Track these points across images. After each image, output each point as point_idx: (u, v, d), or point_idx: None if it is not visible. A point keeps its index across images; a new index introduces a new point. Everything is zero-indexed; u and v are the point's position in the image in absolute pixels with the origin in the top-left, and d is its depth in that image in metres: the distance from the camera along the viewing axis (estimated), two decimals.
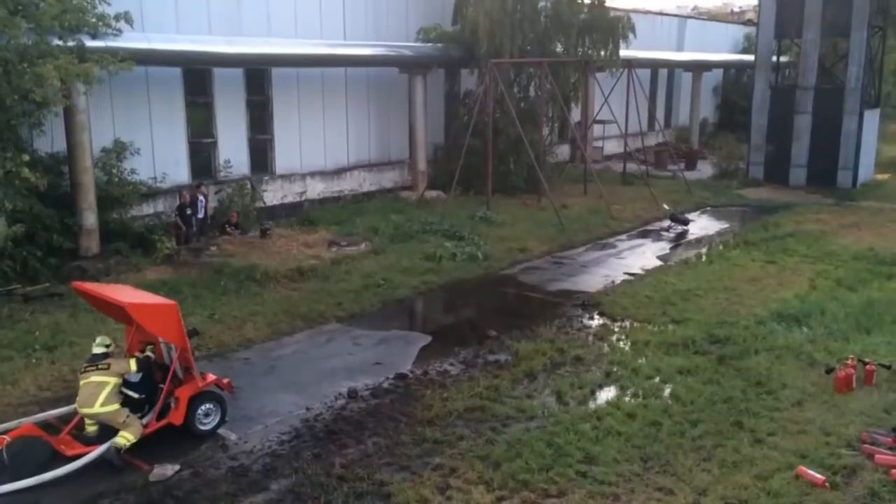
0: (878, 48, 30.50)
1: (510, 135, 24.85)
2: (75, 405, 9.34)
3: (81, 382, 9.25)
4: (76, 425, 9.53)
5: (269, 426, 10.05)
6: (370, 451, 9.33)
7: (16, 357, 11.82)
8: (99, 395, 9.08)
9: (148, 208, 18.61)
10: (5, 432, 9.14)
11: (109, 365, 9.26)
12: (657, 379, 11.40)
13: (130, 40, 16.73)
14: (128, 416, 9.16)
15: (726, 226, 23.44)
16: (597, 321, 14.33)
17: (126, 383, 9.51)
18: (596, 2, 27.18)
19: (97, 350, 9.41)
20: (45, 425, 9.51)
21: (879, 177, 30.91)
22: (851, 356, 11.33)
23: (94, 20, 16.22)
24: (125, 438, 9.00)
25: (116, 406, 9.17)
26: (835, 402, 10.44)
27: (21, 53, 14.11)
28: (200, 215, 18.42)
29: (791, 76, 33.04)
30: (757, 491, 8.30)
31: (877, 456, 8.91)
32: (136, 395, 9.53)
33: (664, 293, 15.64)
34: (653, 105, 34.94)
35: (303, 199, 22.59)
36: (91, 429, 9.39)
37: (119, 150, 17.62)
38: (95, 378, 9.18)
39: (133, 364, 9.44)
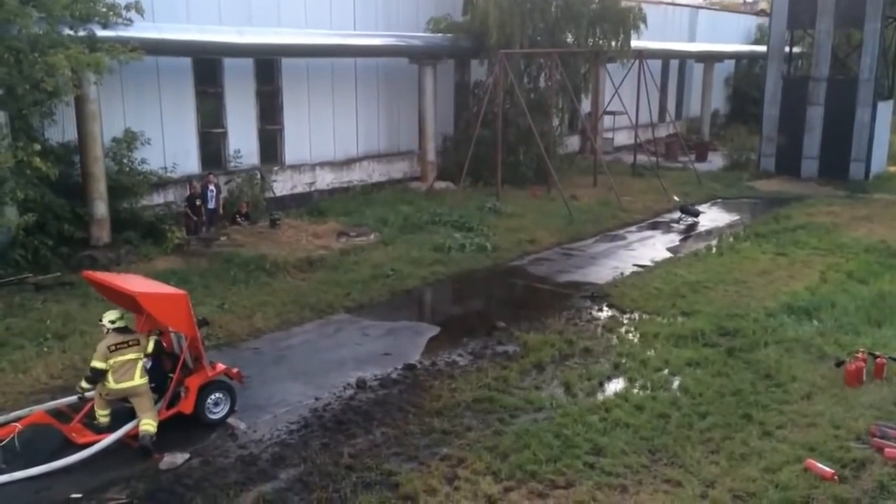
0: (892, 39, 30.21)
1: (520, 126, 24.81)
2: (108, 384, 9.26)
3: (117, 359, 9.22)
4: (87, 413, 9.60)
5: (278, 415, 10.10)
6: (378, 441, 9.37)
7: (27, 345, 11.91)
8: (136, 370, 9.28)
9: (158, 198, 18.68)
10: (17, 420, 9.21)
11: (139, 341, 9.39)
12: (666, 371, 11.39)
13: (141, 30, 16.78)
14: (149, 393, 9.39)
15: (737, 218, 23.32)
16: (606, 313, 14.31)
17: None
18: None
19: (122, 324, 9.45)
20: (56, 413, 9.58)
21: (892, 169, 30.66)
22: (862, 349, 11.29)
23: (104, 10, 16.28)
24: (150, 425, 9.11)
25: (146, 379, 9.40)
26: (844, 396, 10.40)
27: (32, 43, 14.16)
28: (212, 205, 18.46)
29: (804, 67, 32.79)
30: (765, 484, 8.29)
31: (886, 449, 8.87)
32: None
33: (674, 285, 15.60)
34: (664, 96, 34.77)
35: (312, 189, 22.62)
36: (104, 420, 9.45)
37: (130, 139, 17.70)
38: (132, 355, 9.30)
39: (152, 343, 9.54)
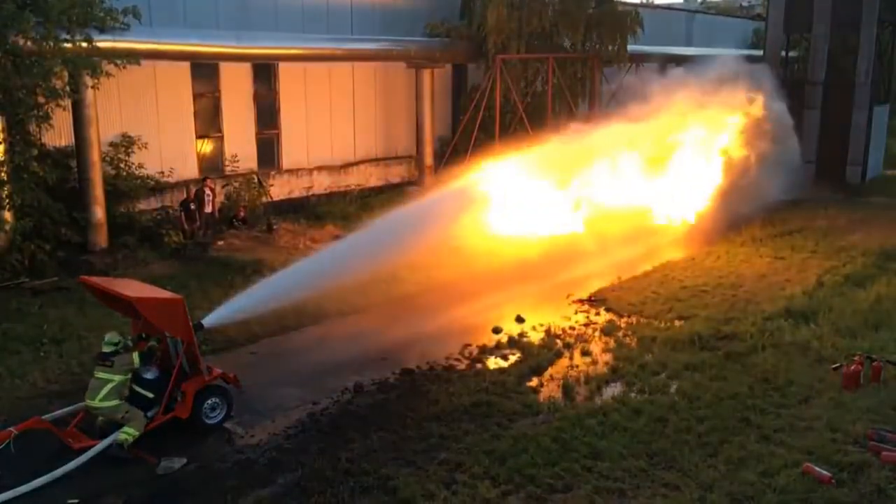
0: (889, 43, 30.28)
1: (518, 129, 24.79)
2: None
3: (94, 373, 9.38)
4: (86, 417, 9.55)
5: (276, 420, 10.09)
6: (376, 445, 9.35)
7: (24, 351, 11.89)
8: (100, 391, 9.19)
9: (155, 202, 18.65)
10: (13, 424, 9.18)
11: (113, 363, 9.30)
12: (663, 375, 11.39)
13: (138, 35, 16.71)
14: (127, 412, 9.20)
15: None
16: (603, 317, 14.30)
17: (140, 381, 9.52)
18: None
19: (105, 349, 9.43)
20: (53, 418, 9.52)
21: (889, 172, 30.71)
22: (859, 353, 11.30)
23: (101, 14, 16.21)
24: (127, 434, 9.05)
25: (116, 402, 9.22)
26: (842, 399, 10.41)
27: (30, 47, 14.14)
28: (208, 210, 18.44)
29: (800, 71, 32.82)
30: (763, 487, 8.30)
31: (883, 453, 8.88)
32: (149, 395, 9.51)
33: (671, 289, 15.61)
34: None
35: (309, 193, 22.59)
36: (100, 418, 9.43)
37: (127, 144, 17.71)
38: (100, 374, 9.29)
39: (136, 358, 9.44)
